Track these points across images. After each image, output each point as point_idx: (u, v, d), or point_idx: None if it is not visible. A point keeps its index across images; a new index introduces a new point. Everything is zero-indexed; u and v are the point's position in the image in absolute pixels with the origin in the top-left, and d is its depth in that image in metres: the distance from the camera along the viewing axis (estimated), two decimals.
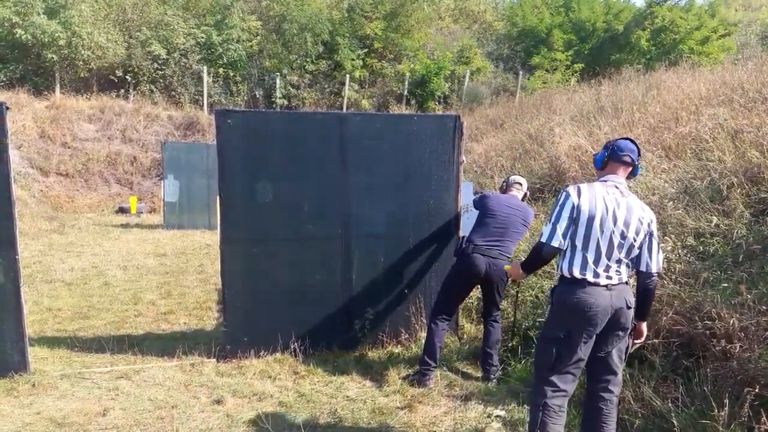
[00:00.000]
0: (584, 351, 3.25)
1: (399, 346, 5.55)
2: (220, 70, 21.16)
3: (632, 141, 3.44)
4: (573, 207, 3.21)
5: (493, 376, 4.93)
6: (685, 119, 7.63)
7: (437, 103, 22.49)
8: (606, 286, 3.20)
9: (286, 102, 21.73)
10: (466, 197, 6.20)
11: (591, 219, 3.19)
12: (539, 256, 3.33)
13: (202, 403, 4.52)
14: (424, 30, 24.62)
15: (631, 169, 3.41)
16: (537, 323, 5.20)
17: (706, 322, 3.98)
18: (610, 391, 3.37)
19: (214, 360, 5.39)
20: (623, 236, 3.22)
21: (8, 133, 4.81)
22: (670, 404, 3.70)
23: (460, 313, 5.87)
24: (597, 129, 8.73)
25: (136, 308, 7.24)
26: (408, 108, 21.89)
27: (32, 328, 5.74)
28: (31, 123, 17.34)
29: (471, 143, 13.40)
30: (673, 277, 4.51)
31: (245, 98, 21.48)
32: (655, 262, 3.29)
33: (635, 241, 3.25)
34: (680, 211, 5.30)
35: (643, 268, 3.31)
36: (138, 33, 20.50)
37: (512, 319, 5.48)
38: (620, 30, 24.93)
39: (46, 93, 19.11)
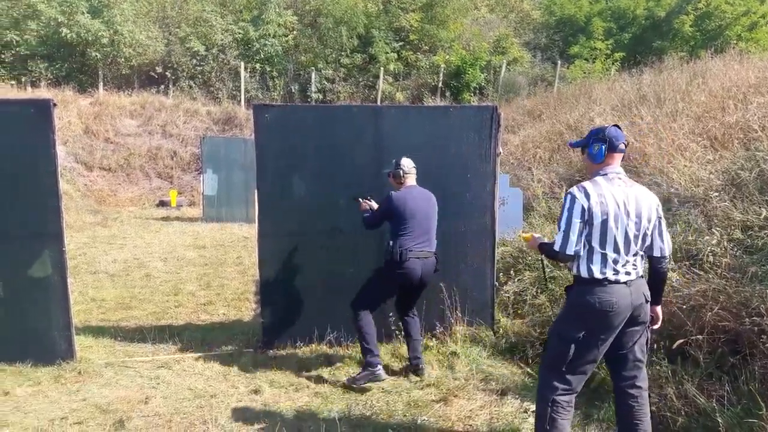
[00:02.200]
0: (601, 351, 3.20)
1: (434, 339, 5.52)
2: (257, 66, 21.36)
3: (618, 126, 3.38)
4: (583, 210, 3.11)
5: (422, 365, 4.87)
6: (733, 108, 7.40)
7: (473, 94, 22.26)
8: (626, 283, 3.15)
9: (321, 96, 21.81)
10: (502, 190, 6.12)
11: (605, 218, 3.11)
12: (555, 259, 3.33)
13: (240, 392, 4.58)
14: (460, 20, 24.37)
15: (623, 155, 3.36)
16: None
17: (754, 318, 3.84)
18: (639, 387, 3.31)
19: (252, 350, 5.46)
20: (638, 228, 3.17)
21: (55, 130, 4.95)
22: (714, 402, 3.60)
23: (495, 308, 5.81)
24: (639, 119, 8.52)
25: (176, 299, 7.37)
26: (443, 100, 21.73)
27: (78, 318, 5.89)
28: (76, 119, 17.77)
29: (508, 135, 13.24)
30: (719, 271, 4.37)
31: (281, 93, 21.63)
32: (667, 245, 3.29)
33: (648, 230, 3.22)
34: (726, 203, 5.14)
35: (656, 253, 3.28)
36: (177, 30, 20.83)
37: (548, 312, 5.39)
38: (662, 16, 24.28)
39: (90, 90, 19.57)
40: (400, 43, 23.00)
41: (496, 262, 5.84)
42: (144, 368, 5.11)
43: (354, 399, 4.46)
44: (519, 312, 5.84)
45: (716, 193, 5.35)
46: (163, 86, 20.49)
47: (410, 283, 4.76)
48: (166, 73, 20.45)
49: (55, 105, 4.98)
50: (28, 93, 17.91)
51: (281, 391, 4.62)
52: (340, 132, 5.46)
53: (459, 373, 4.89)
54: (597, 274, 3.12)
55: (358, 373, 4.72)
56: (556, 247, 3.17)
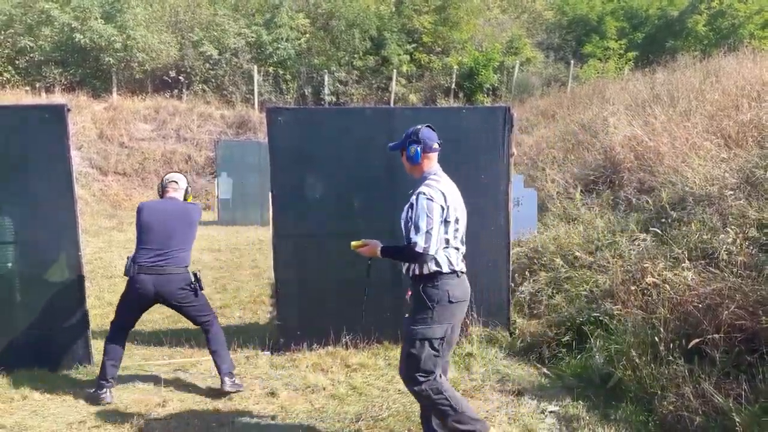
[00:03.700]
0: (454, 339, 3.44)
1: None
2: (270, 69, 21.45)
3: (430, 126, 3.55)
4: (442, 209, 3.25)
5: (228, 380, 4.60)
6: (747, 106, 7.34)
7: (486, 95, 22.22)
8: (464, 272, 3.45)
9: (334, 99, 21.86)
10: (516, 190, 6.12)
11: (456, 216, 3.34)
12: (414, 260, 3.28)
13: (256, 395, 4.62)
14: (472, 21, 24.35)
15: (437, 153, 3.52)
16: (591, 318, 5.09)
17: None
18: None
19: (268, 353, 5.49)
20: (464, 222, 3.46)
21: (70, 135, 5.01)
22: (731, 401, 3.57)
23: (511, 308, 5.81)
24: (653, 118, 8.48)
25: None
26: (456, 101, 21.71)
27: (95, 322, 5.94)
28: (91, 124, 17.94)
29: (521, 135, 13.22)
30: (735, 269, 4.35)
31: (294, 96, 21.70)
32: None
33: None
34: (741, 202, 5.11)
35: None
36: (190, 34, 20.97)
37: (564, 312, 5.37)
38: (675, 15, 24.13)
39: (104, 95, 19.72)
40: (413, 45, 23.00)
41: (511, 262, 5.84)
42: (161, 371, 5.16)
43: (371, 401, 4.48)
44: (535, 312, 5.83)
45: (731, 192, 5.32)
46: (176, 90, 20.62)
47: (145, 299, 4.57)
48: (180, 77, 20.58)
49: (69, 110, 5.05)
50: (43, 98, 18.07)
51: (297, 394, 4.64)
52: (353, 134, 5.48)
53: (475, 374, 4.90)
54: (455, 266, 3.32)
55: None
56: (420, 248, 3.17)
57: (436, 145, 3.50)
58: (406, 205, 3.36)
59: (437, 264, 3.27)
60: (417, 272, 3.32)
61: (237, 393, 4.62)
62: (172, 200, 4.78)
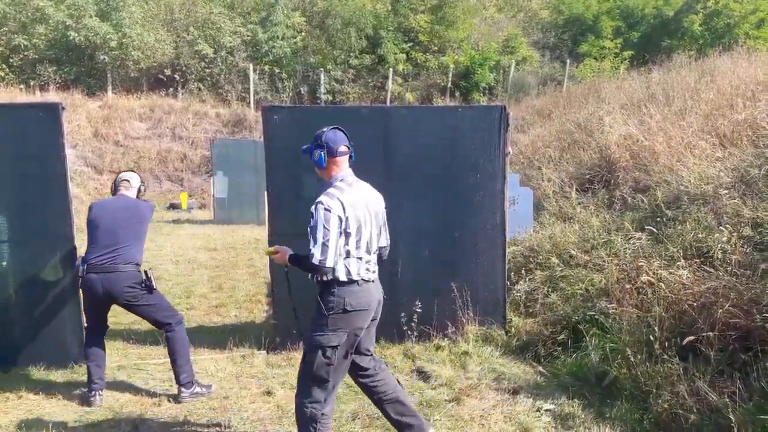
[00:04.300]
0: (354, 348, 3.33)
1: (445, 339, 5.53)
2: (266, 68, 21.43)
3: (338, 128, 3.43)
4: (340, 220, 3.13)
5: (185, 391, 4.49)
6: (741, 106, 7.37)
7: (482, 94, 22.26)
8: (373, 280, 3.36)
9: (330, 97, 21.86)
10: (512, 189, 6.13)
11: (359, 225, 3.22)
12: (312, 271, 3.20)
13: (252, 394, 4.62)
14: (469, 21, 24.38)
15: (349, 156, 3.42)
16: (586, 316, 5.10)
17: (765, 314, 3.83)
18: (376, 371, 3.55)
19: (264, 352, 5.49)
20: (377, 227, 3.40)
21: (64, 133, 4.99)
22: (726, 399, 3.59)
23: (507, 307, 5.82)
24: (648, 118, 8.50)
25: (188, 302, 7.42)
26: (452, 100, 21.74)
27: None
28: (85, 123, 17.88)
29: (517, 134, 13.23)
30: (729, 268, 4.37)
31: (290, 94, 21.69)
32: (387, 234, 3.56)
33: (381, 227, 3.47)
34: (736, 200, 5.13)
35: (383, 243, 3.53)
36: (185, 33, 20.92)
37: (560, 311, 5.39)
38: (671, 15, 24.20)
39: (98, 93, 19.66)
40: (410, 44, 23.03)
41: (507, 261, 5.85)
42: (156, 371, 5.16)
43: (366, 399, 4.47)
44: (531, 311, 5.85)
45: (726, 191, 5.34)
46: (172, 89, 20.58)
47: (97, 299, 4.48)
48: (175, 75, 20.54)
49: (63, 108, 5.03)
50: (37, 97, 17.97)
51: (294, 392, 4.62)
52: (349, 133, 5.45)
53: (471, 373, 4.91)
54: (354, 276, 3.21)
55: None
56: (315, 260, 3.09)
57: (342, 149, 3.36)
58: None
59: (334, 273, 3.17)
60: (317, 279, 3.24)
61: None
62: (122, 197, 4.71)
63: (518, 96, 20.25)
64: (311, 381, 3.26)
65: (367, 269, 3.29)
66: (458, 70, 22.42)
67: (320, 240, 3.09)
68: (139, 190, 4.83)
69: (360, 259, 3.24)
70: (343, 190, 3.24)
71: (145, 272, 4.55)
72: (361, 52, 22.36)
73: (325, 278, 3.19)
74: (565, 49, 24.57)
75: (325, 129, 3.41)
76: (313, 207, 3.17)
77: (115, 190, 4.79)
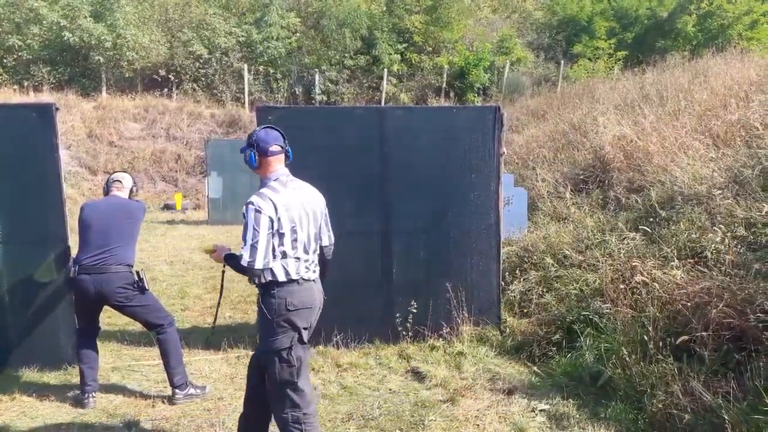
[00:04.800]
0: (307, 346, 3.27)
1: (440, 339, 5.53)
2: (261, 68, 21.41)
3: (271, 127, 3.42)
4: (271, 221, 3.09)
5: (179, 392, 4.48)
6: (735, 106, 7.39)
7: (477, 94, 22.30)
8: (314, 280, 3.33)
9: (325, 98, 21.85)
10: (507, 190, 6.14)
11: (293, 225, 3.16)
12: (243, 273, 3.14)
13: None
14: (463, 21, 24.41)
15: (284, 154, 3.40)
16: (581, 316, 5.11)
17: (759, 314, 3.85)
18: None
19: None
20: (317, 226, 3.36)
21: (58, 134, 4.97)
22: (720, 399, 3.60)
23: (502, 307, 5.83)
24: (642, 118, 8.53)
25: (182, 302, 7.40)
26: (447, 101, 21.76)
27: None
28: (80, 123, 17.82)
29: (512, 135, 13.25)
30: (723, 268, 4.38)
31: (285, 95, 21.67)
32: (331, 233, 3.58)
33: (321, 226, 3.45)
34: (729, 201, 5.15)
35: (326, 243, 3.54)
36: (180, 33, 20.88)
37: (554, 311, 5.40)
38: (664, 16, 24.29)
39: (93, 94, 19.61)
40: (404, 45, 23.03)
41: (501, 261, 5.85)
42: (151, 372, 5.14)
43: (361, 401, 4.48)
44: (525, 311, 5.86)
45: (719, 191, 5.36)
46: (166, 89, 20.53)
47: (89, 300, 4.45)
48: (170, 76, 20.49)
49: (57, 109, 5.00)
50: (31, 97, 17.94)
51: None
52: (344, 133, 5.47)
53: (466, 373, 4.91)
54: (293, 275, 3.16)
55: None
56: (244, 262, 3.05)
57: (275, 148, 3.34)
58: None
59: (272, 274, 3.13)
60: (255, 282, 3.20)
61: (226, 395, 4.60)
62: (114, 198, 4.69)
63: (513, 96, 20.29)
64: (280, 389, 3.18)
65: (307, 268, 3.24)
66: (453, 70, 22.46)
67: (249, 241, 3.04)
68: (131, 191, 4.81)
69: (298, 259, 3.18)
70: (277, 190, 3.21)
71: (138, 273, 4.53)
72: (356, 53, 22.36)
73: (257, 281, 3.16)
74: (559, 49, 24.62)
75: (257, 129, 3.41)
76: (244, 208, 3.13)
77: (107, 190, 4.76)
